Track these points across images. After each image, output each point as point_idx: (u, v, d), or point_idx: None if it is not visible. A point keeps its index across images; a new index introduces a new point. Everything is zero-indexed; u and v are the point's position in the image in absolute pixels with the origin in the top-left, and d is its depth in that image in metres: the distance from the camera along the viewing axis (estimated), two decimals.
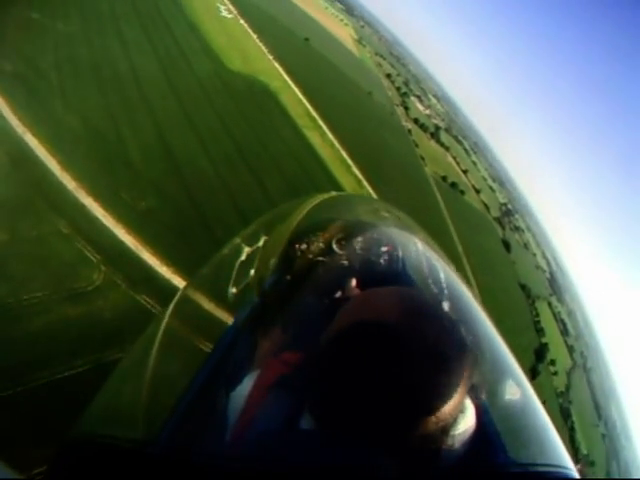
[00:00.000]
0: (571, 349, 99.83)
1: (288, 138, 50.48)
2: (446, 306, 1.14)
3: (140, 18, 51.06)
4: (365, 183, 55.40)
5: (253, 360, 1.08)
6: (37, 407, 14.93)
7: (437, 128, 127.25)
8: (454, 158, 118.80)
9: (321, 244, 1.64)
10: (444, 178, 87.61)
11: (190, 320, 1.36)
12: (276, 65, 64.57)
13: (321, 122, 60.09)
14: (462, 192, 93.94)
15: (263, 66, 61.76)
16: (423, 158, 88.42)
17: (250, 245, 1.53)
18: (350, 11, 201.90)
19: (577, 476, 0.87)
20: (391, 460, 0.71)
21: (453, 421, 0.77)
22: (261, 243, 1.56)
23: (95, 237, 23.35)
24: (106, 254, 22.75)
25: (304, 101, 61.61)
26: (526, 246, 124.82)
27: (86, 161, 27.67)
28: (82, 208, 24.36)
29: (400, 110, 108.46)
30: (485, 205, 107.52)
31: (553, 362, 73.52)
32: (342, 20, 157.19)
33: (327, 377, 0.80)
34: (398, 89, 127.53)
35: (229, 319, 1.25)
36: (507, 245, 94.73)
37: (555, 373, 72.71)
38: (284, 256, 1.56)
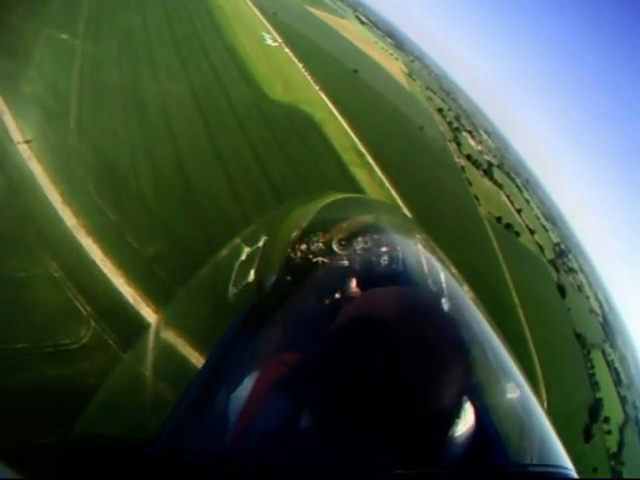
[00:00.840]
0: (624, 400, 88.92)
1: (332, 175, 44.68)
2: (445, 307, 1.17)
3: (176, 42, 47.63)
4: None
5: (253, 360, 1.08)
6: None
7: (490, 165, 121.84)
8: (508, 197, 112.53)
9: (321, 244, 1.64)
10: (499, 219, 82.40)
11: (190, 320, 1.34)
12: (322, 95, 59.56)
13: (369, 158, 54.10)
14: (517, 234, 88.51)
15: (307, 95, 56.91)
16: (477, 198, 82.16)
17: (250, 245, 1.53)
18: (400, 45, 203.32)
19: (576, 476, 0.89)
20: (391, 460, 0.72)
21: (452, 421, 0.78)
22: (261, 243, 1.55)
23: (89, 285, 19.96)
24: (99, 307, 19.22)
25: (351, 134, 55.93)
26: (580, 289, 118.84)
27: (92, 195, 24.58)
28: (79, 249, 21.21)
29: (452, 146, 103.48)
30: (540, 247, 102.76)
31: (607, 420, 66.40)
32: (392, 54, 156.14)
33: (327, 377, 0.82)
34: (450, 124, 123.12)
35: (229, 319, 1.23)
36: (562, 290, 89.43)
37: (609, 432, 65.39)
38: (284, 256, 1.56)
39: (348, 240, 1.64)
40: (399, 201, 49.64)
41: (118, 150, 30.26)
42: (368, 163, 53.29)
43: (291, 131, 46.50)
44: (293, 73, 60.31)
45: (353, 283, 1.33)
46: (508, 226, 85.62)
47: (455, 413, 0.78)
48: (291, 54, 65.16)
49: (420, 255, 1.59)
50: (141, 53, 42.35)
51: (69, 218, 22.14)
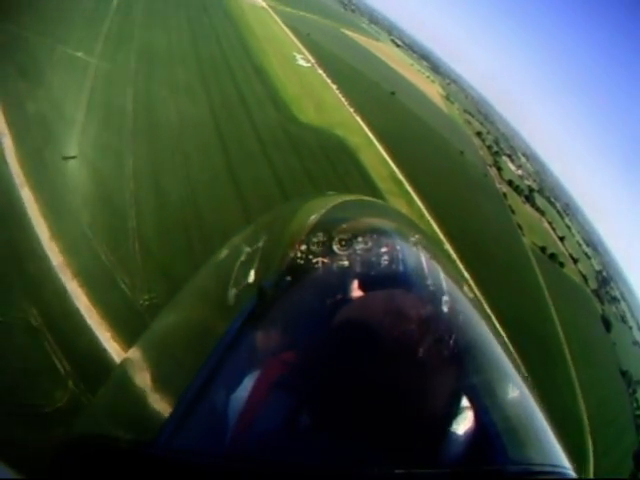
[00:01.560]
0: None
1: None
2: (444, 308, 1.18)
3: (199, 62, 43.92)
4: (458, 262, 42.35)
5: (253, 360, 1.08)
6: None
7: (531, 190, 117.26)
8: (550, 223, 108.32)
9: (321, 245, 1.60)
10: (543, 249, 78.41)
11: (190, 320, 1.35)
12: (357, 118, 54.43)
13: (408, 186, 48.42)
14: (561, 264, 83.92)
15: (341, 118, 51.95)
16: (520, 227, 77.19)
17: (250, 245, 1.55)
18: (435, 68, 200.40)
19: (574, 476, 0.91)
20: (390, 460, 0.72)
21: (450, 421, 0.80)
22: (261, 243, 1.57)
23: (70, 338, 16.91)
24: (79, 365, 16.11)
25: (388, 161, 50.47)
26: (623, 319, 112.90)
27: (84, 230, 21.56)
28: (62, 294, 18.21)
29: (493, 171, 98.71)
30: (583, 277, 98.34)
31: None
32: (428, 77, 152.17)
33: (327, 378, 0.83)
34: (489, 148, 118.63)
35: (229, 319, 1.22)
36: (607, 323, 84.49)
37: None
38: (284, 256, 1.55)
39: (348, 241, 1.60)
40: (440, 234, 44.50)
41: (120, 180, 26.48)
42: (407, 192, 47.78)
43: (322, 158, 41.36)
44: (326, 95, 55.78)
45: (353, 284, 1.31)
46: (552, 256, 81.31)
47: (453, 414, 0.79)
48: (324, 75, 60.95)
49: (420, 256, 1.58)
50: (159, 72, 38.63)
51: (55, 255, 19.28)
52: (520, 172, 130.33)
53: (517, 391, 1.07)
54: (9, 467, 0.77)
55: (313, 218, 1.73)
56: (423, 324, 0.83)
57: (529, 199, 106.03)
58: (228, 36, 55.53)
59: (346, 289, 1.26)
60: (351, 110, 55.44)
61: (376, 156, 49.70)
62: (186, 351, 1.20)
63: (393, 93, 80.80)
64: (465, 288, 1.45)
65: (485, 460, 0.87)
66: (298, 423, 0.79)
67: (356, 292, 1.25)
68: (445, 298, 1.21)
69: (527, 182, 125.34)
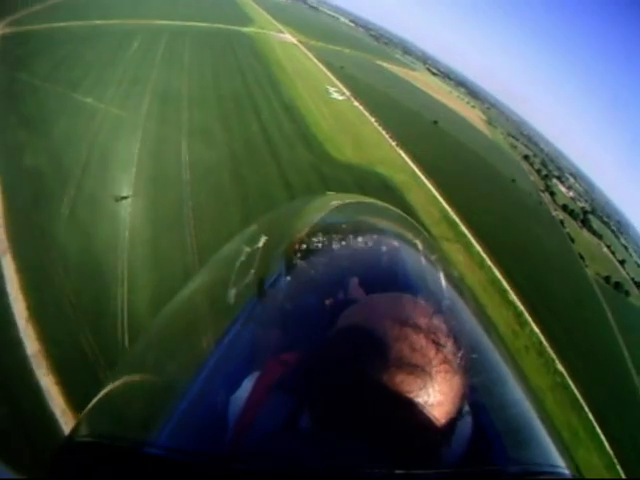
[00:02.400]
0: None
1: None
2: (444, 311, 1.14)
3: (220, 101, 39.10)
4: (527, 316, 36.01)
5: (253, 360, 1.08)
6: None
7: (585, 212, 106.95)
8: (608, 247, 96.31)
9: (322, 245, 1.58)
10: (607, 279, 68.90)
11: (189, 320, 1.32)
12: (400, 152, 47.64)
13: (463, 227, 40.80)
14: (627, 293, 72.96)
15: (383, 154, 45.40)
16: (582, 257, 68.10)
17: (250, 245, 1.50)
18: (473, 94, 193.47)
19: (574, 476, 0.90)
20: (390, 461, 0.72)
21: (450, 423, 0.80)
22: (261, 243, 1.52)
23: (41, 446, 12.09)
24: None
25: (439, 199, 43.06)
26: None
27: (66, 312, 17.50)
28: (35, 391, 14.69)
29: (546, 197, 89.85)
30: None
31: None
32: (468, 102, 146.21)
33: (326, 378, 0.83)
34: (539, 172, 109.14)
35: (229, 319, 1.19)
36: None
37: None
38: (284, 256, 1.53)
39: (349, 241, 1.60)
40: (504, 283, 37.13)
41: (113, 247, 21.65)
42: (463, 235, 40.18)
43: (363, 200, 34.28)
44: (364, 129, 49.74)
45: (354, 284, 1.30)
46: (617, 285, 71.28)
47: (451, 415, 0.79)
48: (361, 108, 55.07)
49: (421, 256, 1.56)
50: (174, 115, 33.96)
51: (31, 343, 16.20)
52: (572, 194, 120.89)
53: (514, 393, 1.08)
54: (9, 467, 0.77)
55: (313, 218, 1.74)
56: (423, 327, 0.82)
57: (585, 223, 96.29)
58: (255, 73, 51.62)
59: (346, 289, 1.26)
60: (393, 144, 48.94)
61: (425, 194, 42.62)
62: (186, 351, 1.16)
63: (436, 122, 74.26)
64: (465, 289, 1.43)
65: (482, 460, 0.87)
66: (298, 424, 0.79)
67: (356, 292, 1.25)
68: (445, 300, 1.21)
69: (580, 204, 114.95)
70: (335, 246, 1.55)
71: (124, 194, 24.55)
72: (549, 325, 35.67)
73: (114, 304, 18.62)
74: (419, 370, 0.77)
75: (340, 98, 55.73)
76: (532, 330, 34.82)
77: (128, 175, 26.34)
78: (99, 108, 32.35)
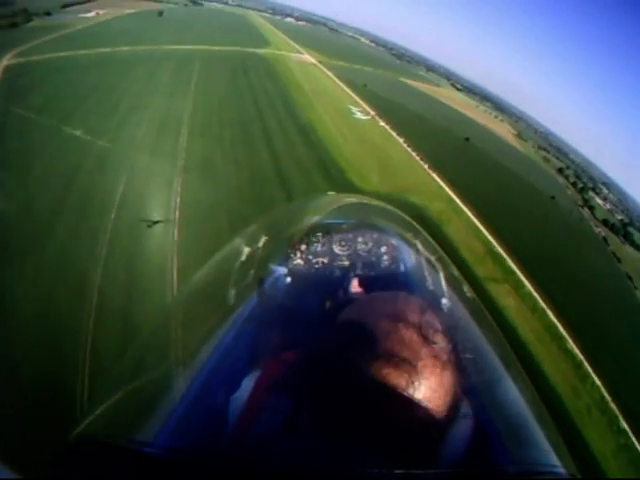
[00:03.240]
0: None
1: None
2: (444, 310, 1.22)
3: (226, 128, 33.76)
4: (587, 366, 28.61)
5: (253, 360, 1.09)
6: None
7: (624, 225, 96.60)
8: None
9: (322, 245, 1.67)
10: None
11: (189, 320, 1.33)
12: (434, 176, 41.13)
13: (511, 262, 33.26)
14: None
15: (415, 180, 38.94)
16: (630, 277, 58.16)
17: (250, 245, 1.53)
18: (499, 107, 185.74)
19: (571, 476, 0.90)
20: (389, 460, 0.71)
21: (448, 422, 0.80)
22: (261, 243, 1.55)
23: None
24: None
25: (482, 230, 35.67)
26: None
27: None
28: None
29: (585, 212, 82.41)
30: None
31: None
32: (496, 116, 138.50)
33: (325, 378, 0.82)
34: (574, 185, 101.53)
35: (229, 319, 1.23)
36: None
37: None
38: (284, 256, 1.59)
39: (349, 241, 1.67)
40: (560, 328, 29.87)
41: (79, 312, 16.97)
42: (511, 272, 32.63)
43: None
44: (392, 151, 43.71)
45: (353, 284, 1.32)
46: None
47: (450, 414, 0.79)
48: (388, 128, 49.07)
49: (420, 256, 1.59)
50: (168, 147, 28.60)
51: None
52: (608, 206, 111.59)
53: (513, 393, 1.06)
54: (9, 467, 0.75)
55: (313, 218, 1.77)
56: (422, 326, 0.81)
57: (627, 237, 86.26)
58: (269, 95, 46.96)
59: (346, 289, 1.26)
60: (425, 166, 42.51)
61: (465, 224, 35.77)
62: (186, 350, 1.14)
63: (467, 139, 67.45)
64: (465, 289, 1.42)
65: (481, 460, 0.86)
66: (298, 423, 0.77)
67: (356, 292, 1.24)
68: (444, 299, 1.22)
69: (618, 216, 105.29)
70: (335, 246, 1.65)
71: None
72: (609, 374, 28.89)
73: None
74: (408, 365, 0.75)
75: (364, 118, 50.25)
76: (593, 384, 27.55)
77: (106, 221, 21.13)
78: (87, 140, 28.00)
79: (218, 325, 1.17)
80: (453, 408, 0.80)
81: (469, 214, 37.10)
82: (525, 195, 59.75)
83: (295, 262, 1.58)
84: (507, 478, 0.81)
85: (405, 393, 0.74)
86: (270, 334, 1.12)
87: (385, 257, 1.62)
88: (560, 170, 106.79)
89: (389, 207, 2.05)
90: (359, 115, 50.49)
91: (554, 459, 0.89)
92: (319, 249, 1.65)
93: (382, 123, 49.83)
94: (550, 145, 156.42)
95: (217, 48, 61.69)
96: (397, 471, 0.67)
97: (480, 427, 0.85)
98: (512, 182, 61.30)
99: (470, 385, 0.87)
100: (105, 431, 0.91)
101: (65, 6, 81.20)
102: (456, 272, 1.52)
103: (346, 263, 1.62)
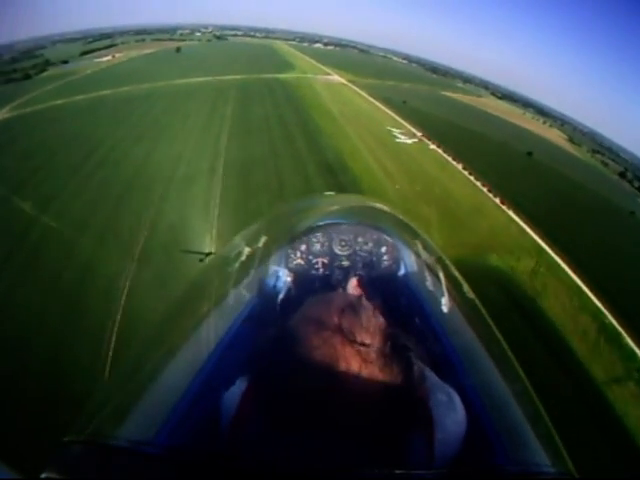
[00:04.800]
0: None
1: None
2: (443, 309, 1.23)
3: (231, 172, 24.78)
4: None
5: (252, 360, 1.04)
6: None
7: None
8: None
9: (322, 245, 1.66)
10: None
11: (189, 320, 1.32)
12: (511, 215, 29.43)
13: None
14: None
15: (487, 226, 27.11)
16: None
17: (250, 245, 1.51)
18: (543, 112, 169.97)
19: (568, 476, 0.89)
20: (388, 461, 0.70)
21: (444, 423, 0.79)
22: (261, 243, 1.54)
23: None
24: None
25: (578, 283, 23.87)
26: None
27: None
28: None
29: None
30: None
31: None
32: (544, 122, 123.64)
33: (325, 378, 0.77)
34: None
35: (229, 319, 1.22)
36: None
37: None
38: (284, 257, 1.58)
39: (349, 241, 1.65)
40: None
41: None
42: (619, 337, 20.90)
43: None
44: (452, 183, 32.50)
45: (353, 283, 1.30)
46: None
47: (445, 415, 0.78)
48: (440, 150, 37.83)
49: (420, 256, 1.56)
50: (141, 203, 19.54)
51: None
52: None
53: (506, 393, 1.05)
54: (9, 467, 0.74)
55: (314, 218, 1.77)
56: (343, 326, 0.77)
57: None
58: (287, 125, 37.37)
59: (345, 289, 1.24)
60: (496, 201, 30.88)
61: (566, 290, 23.56)
62: (186, 351, 1.15)
63: (530, 153, 54.80)
64: (465, 289, 1.40)
65: (480, 460, 0.85)
66: (297, 424, 0.75)
67: (356, 292, 1.22)
68: (444, 299, 1.22)
69: None
70: (335, 246, 1.63)
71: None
72: None
73: None
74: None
75: (409, 142, 39.15)
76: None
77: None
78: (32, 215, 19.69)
79: (218, 325, 1.17)
80: (448, 408, 0.78)
81: (567, 270, 25.03)
82: (608, 220, 45.92)
83: (295, 262, 1.56)
84: (502, 478, 0.80)
85: (403, 393, 0.72)
86: (270, 334, 1.00)
87: (385, 257, 1.60)
88: (622, 174, 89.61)
89: (388, 208, 2.05)
90: (403, 138, 39.51)
91: (546, 458, 0.87)
92: (319, 249, 1.63)
93: (432, 146, 38.68)
94: (601, 145, 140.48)
95: (229, 77, 54.23)
96: (397, 472, 0.65)
97: (477, 427, 0.83)
98: (592, 205, 47.49)
99: (466, 385, 0.86)
100: (104, 431, 0.90)
101: (84, 53, 77.44)
102: (456, 273, 1.48)
103: (346, 263, 1.60)
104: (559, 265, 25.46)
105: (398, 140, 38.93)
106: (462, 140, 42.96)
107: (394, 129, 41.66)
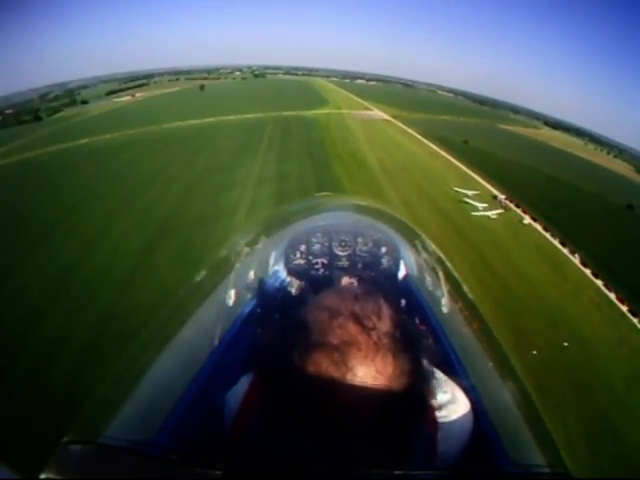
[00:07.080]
0: None
1: None
2: (443, 309, 1.22)
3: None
4: None
5: (252, 360, 1.00)
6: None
7: None
8: None
9: (322, 245, 1.64)
10: None
11: (189, 321, 1.25)
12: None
13: None
14: None
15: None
16: None
17: (250, 245, 1.50)
18: (598, 140, 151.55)
19: (567, 476, 0.83)
20: (387, 462, 0.67)
21: (442, 423, 0.77)
22: (261, 243, 1.53)
23: None
24: None
25: None
26: None
27: None
28: None
29: None
30: None
31: None
32: (608, 153, 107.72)
33: (325, 377, 0.72)
34: None
35: (229, 320, 1.22)
36: None
37: None
38: (284, 257, 1.56)
39: (349, 241, 1.63)
40: None
41: None
42: None
43: None
44: (568, 271, 17.90)
45: (353, 283, 1.29)
46: None
47: (444, 416, 0.76)
48: (539, 227, 23.45)
49: (420, 257, 1.55)
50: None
51: None
52: None
53: (503, 392, 1.02)
54: (9, 467, 0.72)
55: (313, 219, 1.71)
56: (357, 314, 0.72)
57: None
58: (291, 181, 24.65)
59: (345, 288, 1.22)
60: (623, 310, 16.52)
61: None
62: (187, 350, 1.13)
63: (631, 207, 39.54)
64: (465, 289, 1.39)
65: (479, 460, 0.84)
66: (297, 424, 0.71)
67: (356, 291, 1.07)
68: (444, 299, 1.20)
69: None
70: (335, 246, 1.60)
71: None
72: None
73: None
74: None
75: (493, 214, 24.20)
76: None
77: None
78: None
79: (218, 325, 1.14)
80: (448, 410, 0.77)
81: None
82: None
83: (295, 262, 1.54)
84: (501, 478, 0.76)
85: (402, 395, 0.69)
86: (269, 334, 1.00)
87: (385, 257, 1.58)
88: None
89: (389, 210, 1.99)
90: (481, 208, 24.76)
91: (544, 459, 0.85)
92: (319, 249, 1.61)
93: (527, 219, 24.02)
94: (619, 151, 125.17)
95: (242, 116, 44.43)
96: (396, 472, 0.63)
97: (476, 427, 0.82)
98: None
99: (465, 386, 0.85)
100: (104, 431, 0.86)
101: (110, 93, 69.86)
102: (455, 273, 1.46)
103: (346, 263, 1.58)
104: None
105: (476, 213, 24.08)
106: (559, 205, 28.47)
107: (465, 190, 26.98)
